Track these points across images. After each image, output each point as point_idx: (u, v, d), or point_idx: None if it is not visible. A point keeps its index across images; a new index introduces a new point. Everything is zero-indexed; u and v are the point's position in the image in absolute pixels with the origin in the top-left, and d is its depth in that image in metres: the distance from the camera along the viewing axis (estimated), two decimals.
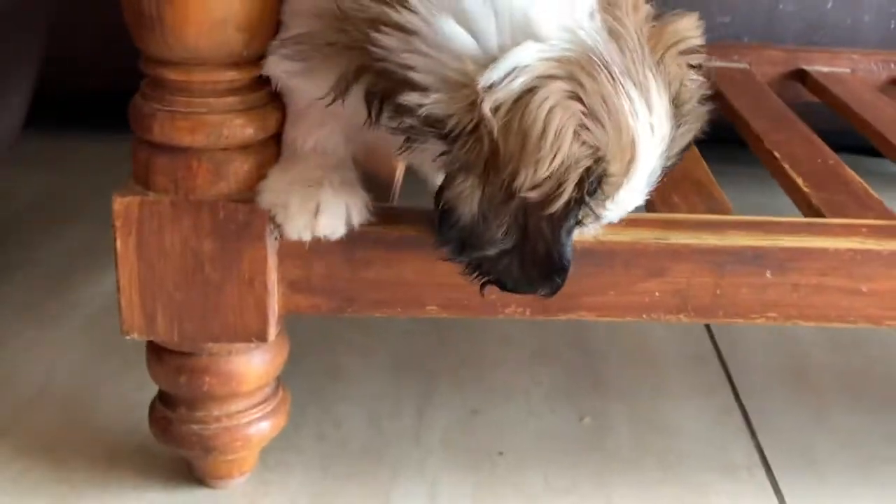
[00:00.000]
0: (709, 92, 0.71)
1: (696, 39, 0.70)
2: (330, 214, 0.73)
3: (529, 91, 0.62)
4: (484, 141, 0.62)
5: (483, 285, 0.69)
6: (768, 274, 0.76)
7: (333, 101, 0.68)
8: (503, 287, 0.69)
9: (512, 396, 1.00)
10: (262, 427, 0.82)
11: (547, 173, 0.62)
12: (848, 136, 1.21)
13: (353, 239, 0.74)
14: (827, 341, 1.13)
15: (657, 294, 0.76)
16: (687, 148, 0.70)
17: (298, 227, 0.73)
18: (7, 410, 0.94)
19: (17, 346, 1.05)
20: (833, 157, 0.98)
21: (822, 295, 0.77)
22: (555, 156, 0.62)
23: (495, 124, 0.61)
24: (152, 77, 0.72)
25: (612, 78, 0.64)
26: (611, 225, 0.72)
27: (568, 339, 1.11)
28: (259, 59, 0.72)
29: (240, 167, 0.73)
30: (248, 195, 0.73)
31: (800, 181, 0.90)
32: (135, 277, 0.75)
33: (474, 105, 0.61)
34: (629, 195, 0.67)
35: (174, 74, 0.71)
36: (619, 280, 0.76)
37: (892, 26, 1.45)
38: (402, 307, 0.77)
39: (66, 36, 1.38)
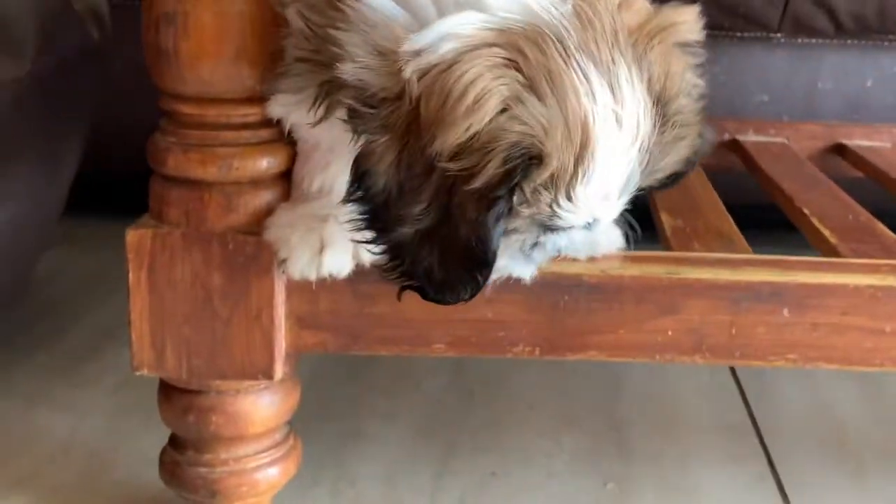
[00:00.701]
0: (703, 91, 0.63)
1: (691, 32, 0.62)
2: (336, 250, 0.72)
3: (460, 56, 0.57)
4: (405, 104, 0.58)
5: (402, 289, 0.64)
6: (786, 312, 0.73)
7: (316, 123, 0.66)
8: (424, 294, 0.63)
9: (533, 460, 0.97)
10: (270, 473, 0.80)
11: (463, 140, 0.57)
12: None
13: (359, 273, 0.73)
14: (868, 412, 1.08)
15: (670, 333, 0.74)
16: (687, 165, 0.64)
17: (302, 264, 0.72)
18: (30, 465, 0.95)
19: (46, 406, 1.06)
20: (865, 214, 0.95)
21: (844, 335, 0.73)
22: (472, 122, 0.56)
23: (416, 87, 0.57)
24: (169, 112, 0.74)
25: (566, 53, 0.57)
26: (618, 258, 0.71)
27: (595, 406, 1.08)
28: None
29: (250, 200, 0.74)
30: (257, 228, 0.74)
31: (827, 233, 0.88)
32: (146, 311, 0.75)
33: (400, 71, 0.58)
34: (590, 196, 0.60)
35: (189, 108, 0.73)
36: (631, 318, 0.74)
37: None
38: (409, 345, 0.76)
39: (118, 121, 1.45)
